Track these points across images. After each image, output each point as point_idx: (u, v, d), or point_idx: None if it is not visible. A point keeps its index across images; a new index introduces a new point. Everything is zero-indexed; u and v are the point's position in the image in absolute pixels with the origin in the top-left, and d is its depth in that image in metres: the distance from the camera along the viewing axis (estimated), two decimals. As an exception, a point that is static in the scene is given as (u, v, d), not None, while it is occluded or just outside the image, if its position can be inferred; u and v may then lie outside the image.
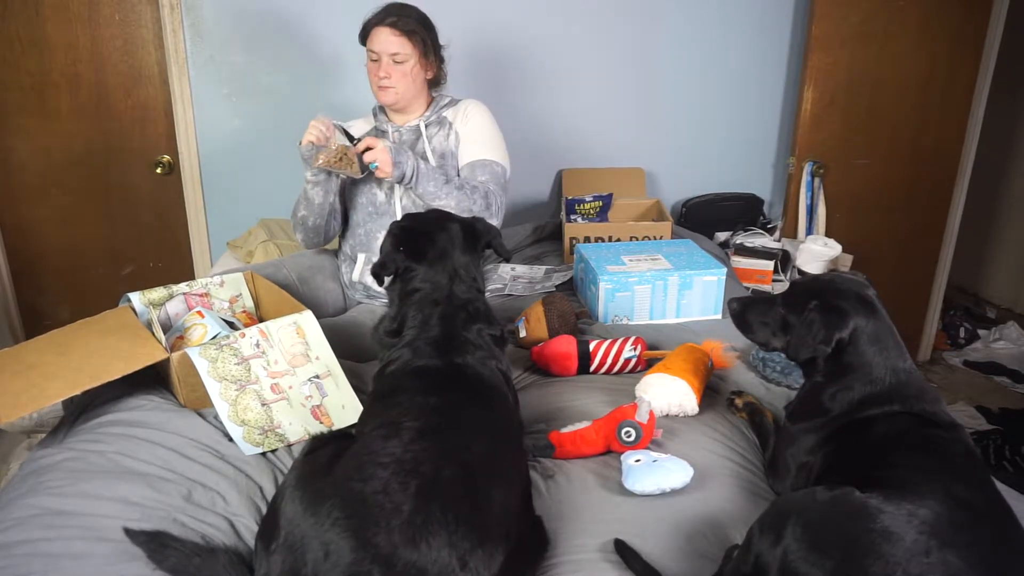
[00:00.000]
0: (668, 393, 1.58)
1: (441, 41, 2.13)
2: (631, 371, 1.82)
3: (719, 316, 2.13)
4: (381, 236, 1.63)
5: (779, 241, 3.02)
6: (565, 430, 1.49)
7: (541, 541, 1.23)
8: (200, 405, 1.59)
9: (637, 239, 2.59)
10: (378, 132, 2.18)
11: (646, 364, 1.81)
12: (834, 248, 2.86)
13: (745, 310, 1.51)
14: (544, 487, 1.38)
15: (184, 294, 1.87)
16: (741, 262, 2.87)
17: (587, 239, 2.61)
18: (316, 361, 1.61)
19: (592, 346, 1.83)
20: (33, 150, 2.84)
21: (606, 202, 2.85)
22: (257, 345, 1.58)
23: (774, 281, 2.87)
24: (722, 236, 3.08)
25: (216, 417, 1.53)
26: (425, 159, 2.10)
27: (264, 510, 1.30)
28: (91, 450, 1.42)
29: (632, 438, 1.43)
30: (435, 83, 2.19)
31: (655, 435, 1.48)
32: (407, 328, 1.47)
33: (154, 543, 1.17)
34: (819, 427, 1.33)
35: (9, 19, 2.68)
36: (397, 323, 1.50)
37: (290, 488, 1.13)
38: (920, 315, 3.58)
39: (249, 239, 2.71)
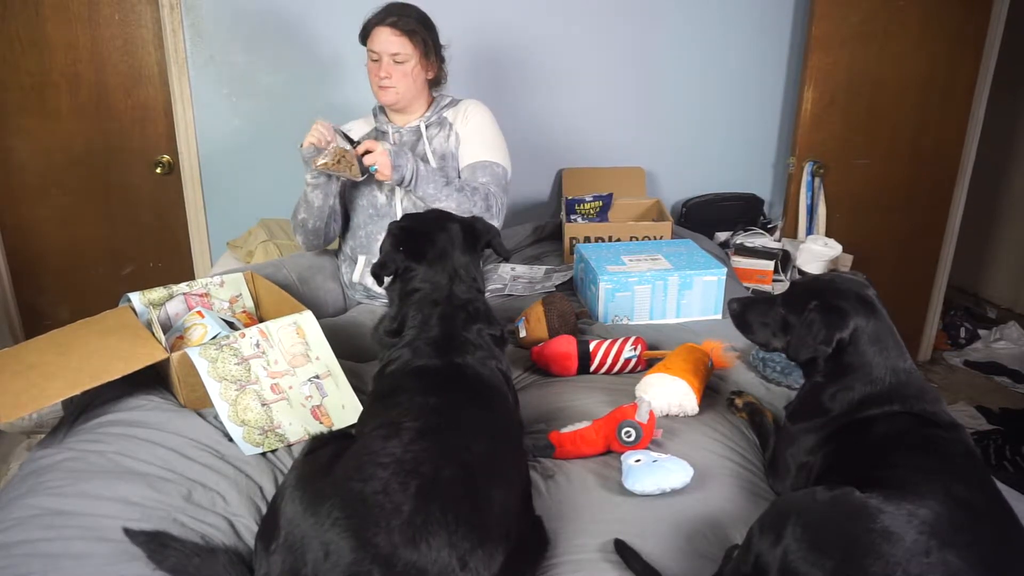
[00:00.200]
0: (668, 393, 1.58)
1: (441, 41, 2.12)
2: (631, 371, 1.82)
3: (719, 316, 2.13)
4: (381, 238, 1.63)
5: (779, 241, 3.02)
6: (565, 430, 1.48)
7: (541, 541, 1.23)
8: (200, 405, 1.59)
9: (637, 239, 2.59)
10: (378, 132, 2.18)
11: (646, 364, 1.81)
12: (834, 248, 2.86)
13: (745, 310, 1.51)
14: (544, 487, 1.38)
15: (184, 294, 1.87)
16: (741, 262, 2.87)
17: (587, 239, 2.61)
18: (316, 361, 1.61)
19: (592, 346, 1.83)
20: (33, 150, 2.84)
21: (606, 202, 2.85)
22: (257, 345, 1.58)
23: (774, 281, 2.87)
24: (722, 236, 3.08)
25: (216, 417, 1.53)
26: (425, 160, 2.10)
27: (264, 510, 1.30)
28: (91, 450, 1.42)
29: (632, 438, 1.43)
30: (436, 83, 2.18)
31: (655, 435, 1.48)
32: (407, 328, 1.47)
33: (154, 543, 1.17)
34: (819, 427, 1.33)
35: (9, 19, 2.68)
36: (397, 323, 1.50)
37: (290, 488, 1.13)
38: (920, 315, 3.58)
39: (249, 239, 2.71)
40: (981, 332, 3.94)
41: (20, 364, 1.53)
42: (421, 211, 1.81)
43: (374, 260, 1.64)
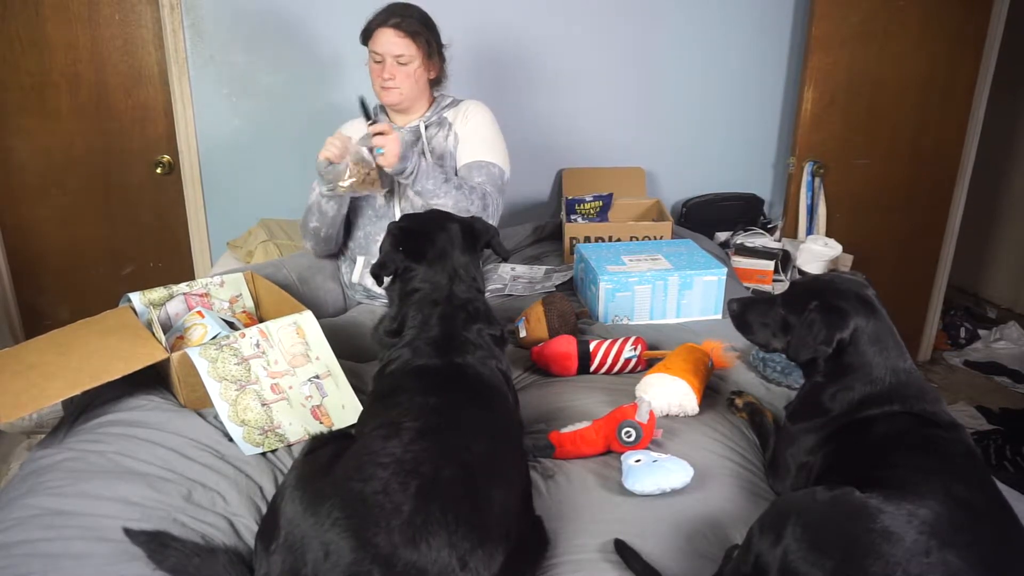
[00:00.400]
0: (668, 393, 1.58)
1: (443, 40, 2.12)
2: (631, 371, 1.82)
3: (719, 316, 2.13)
4: (381, 239, 1.63)
5: (779, 241, 3.02)
6: (565, 430, 1.48)
7: (541, 541, 1.23)
8: (200, 405, 1.59)
9: (637, 239, 2.59)
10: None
11: (646, 364, 1.81)
12: (834, 248, 2.86)
13: (745, 311, 1.51)
14: (544, 487, 1.38)
15: (184, 294, 1.87)
16: (741, 262, 2.87)
17: (587, 239, 2.61)
18: (316, 361, 1.61)
19: (592, 346, 1.83)
20: (33, 150, 2.84)
21: (606, 202, 2.85)
22: (257, 345, 1.58)
23: (774, 281, 2.87)
24: (722, 236, 3.08)
25: (216, 417, 1.53)
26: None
27: (264, 510, 1.30)
28: (91, 450, 1.42)
29: (632, 438, 1.43)
30: (436, 82, 2.18)
31: (655, 435, 1.48)
32: (407, 328, 1.47)
33: (154, 543, 1.17)
34: (819, 427, 1.33)
35: (9, 19, 2.68)
36: (397, 323, 1.50)
37: (290, 488, 1.13)
38: (920, 315, 3.58)
39: (249, 239, 2.71)
40: (981, 332, 3.94)
41: (20, 364, 1.53)
42: (420, 211, 1.81)
43: (373, 260, 1.65)
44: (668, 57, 3.06)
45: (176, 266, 3.05)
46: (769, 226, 3.14)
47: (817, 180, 3.14)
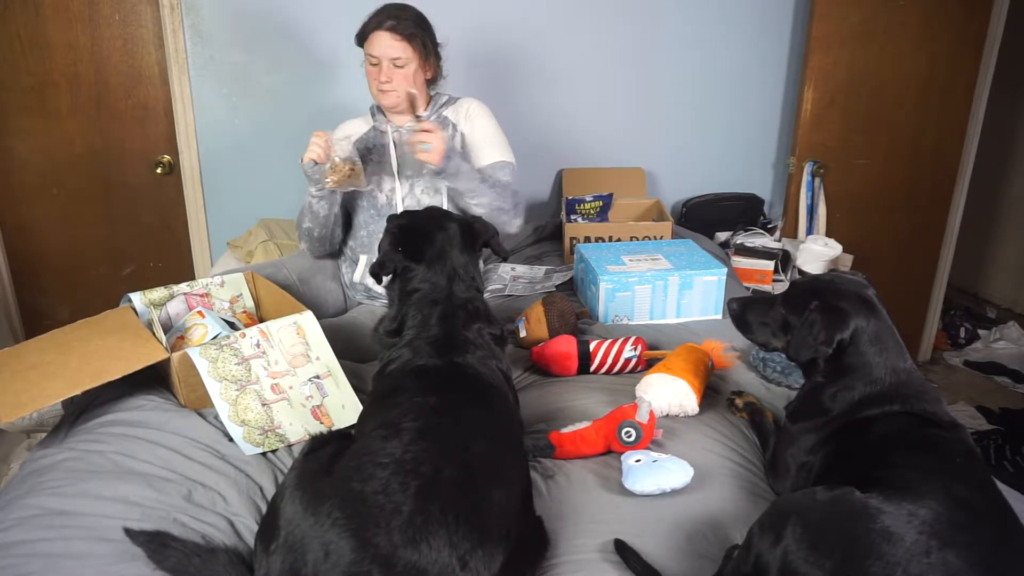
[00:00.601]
0: (668, 393, 1.58)
1: (440, 39, 2.12)
2: (631, 371, 1.82)
3: (719, 316, 2.13)
4: None
5: (779, 241, 3.02)
6: (565, 430, 1.48)
7: (541, 541, 1.23)
8: (200, 405, 1.59)
9: (637, 239, 2.59)
10: (377, 132, 2.18)
11: (646, 364, 1.81)
12: (834, 248, 2.86)
13: (745, 310, 1.51)
14: (544, 487, 1.38)
15: (184, 294, 1.87)
16: (741, 262, 2.87)
17: (587, 239, 2.61)
18: (316, 361, 1.61)
19: (592, 346, 1.83)
20: (33, 150, 2.84)
21: (606, 202, 2.85)
22: (257, 345, 1.58)
23: (774, 281, 2.87)
24: (722, 236, 3.07)
25: (216, 417, 1.53)
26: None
27: (264, 510, 1.30)
28: (91, 450, 1.42)
29: (632, 438, 1.43)
30: (432, 81, 2.19)
31: (655, 435, 1.48)
32: (407, 328, 1.47)
33: (154, 543, 1.17)
34: (819, 427, 1.33)
35: (9, 19, 2.68)
36: (397, 323, 1.50)
37: (290, 488, 1.13)
38: (920, 315, 3.57)
39: (249, 239, 2.71)
40: (981, 332, 3.94)
41: (20, 364, 1.54)
42: (419, 209, 1.81)
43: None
44: (668, 57, 3.06)
45: (176, 266, 3.05)
46: (769, 226, 3.14)
47: (817, 180, 3.14)
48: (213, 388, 1.50)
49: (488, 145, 2.15)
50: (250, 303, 1.98)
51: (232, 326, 1.79)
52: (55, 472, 1.37)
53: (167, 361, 1.56)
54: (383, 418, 1.24)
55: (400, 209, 2.10)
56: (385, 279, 1.60)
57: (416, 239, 1.55)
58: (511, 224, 2.07)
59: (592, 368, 1.82)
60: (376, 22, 2.01)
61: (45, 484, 1.33)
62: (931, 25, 3.01)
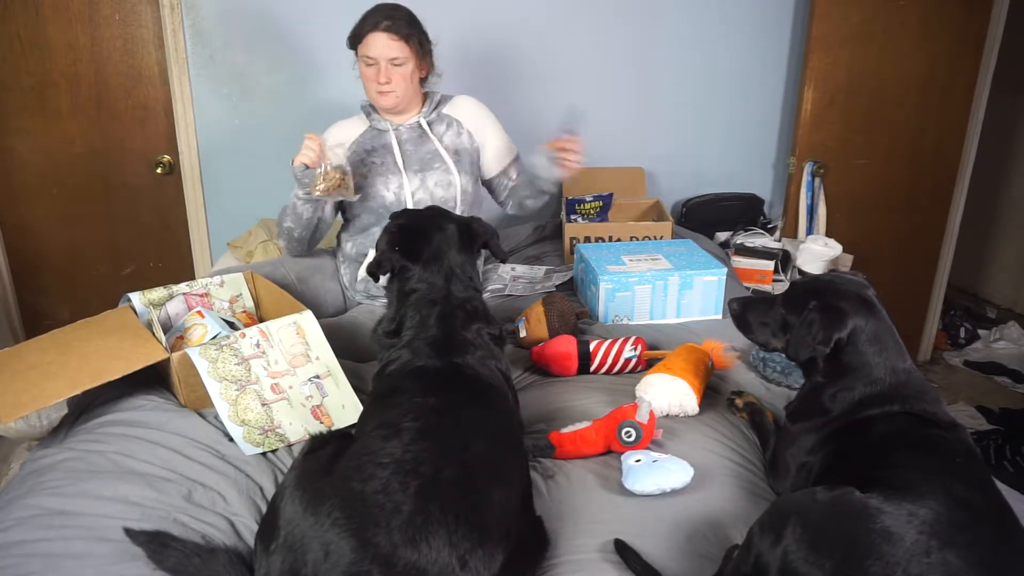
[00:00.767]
0: (668, 393, 1.58)
1: (434, 38, 2.12)
2: (631, 371, 1.82)
3: (719, 316, 2.13)
4: None
5: (779, 241, 3.01)
6: (565, 430, 1.48)
7: (541, 541, 1.23)
8: (200, 405, 1.59)
9: (637, 239, 2.59)
10: (376, 131, 2.18)
11: (646, 364, 1.81)
12: (834, 248, 2.86)
13: (745, 310, 1.51)
14: (544, 487, 1.38)
15: (184, 294, 1.87)
16: (741, 262, 2.87)
17: (587, 239, 2.61)
18: (316, 361, 1.61)
19: (592, 346, 1.83)
20: (33, 150, 2.84)
21: (606, 202, 2.85)
22: (257, 345, 1.58)
23: (774, 281, 2.87)
24: (722, 236, 3.07)
25: (216, 417, 1.53)
26: (437, 154, 2.12)
27: (264, 510, 1.30)
28: (91, 450, 1.42)
29: (632, 438, 1.43)
30: (425, 80, 2.19)
31: (655, 435, 1.48)
32: (405, 328, 1.47)
33: (154, 543, 1.17)
34: (819, 427, 1.33)
35: (9, 19, 2.68)
36: (396, 323, 1.50)
37: (290, 488, 1.13)
38: (920, 315, 3.57)
39: (249, 239, 2.71)
40: (981, 332, 3.94)
41: (21, 364, 1.54)
42: (420, 208, 1.81)
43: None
44: (668, 56, 3.06)
45: (176, 266, 3.05)
46: (769, 226, 3.14)
47: (817, 180, 3.14)
48: (213, 388, 1.50)
49: (498, 142, 2.26)
50: (250, 303, 1.98)
51: (232, 326, 1.79)
52: (55, 472, 1.37)
53: (167, 361, 1.56)
54: (383, 418, 1.24)
55: (411, 205, 2.10)
56: (383, 279, 1.60)
57: (414, 239, 1.55)
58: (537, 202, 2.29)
59: (592, 368, 1.82)
60: (372, 23, 2.01)
61: (45, 484, 1.34)
62: (931, 25, 3.01)
